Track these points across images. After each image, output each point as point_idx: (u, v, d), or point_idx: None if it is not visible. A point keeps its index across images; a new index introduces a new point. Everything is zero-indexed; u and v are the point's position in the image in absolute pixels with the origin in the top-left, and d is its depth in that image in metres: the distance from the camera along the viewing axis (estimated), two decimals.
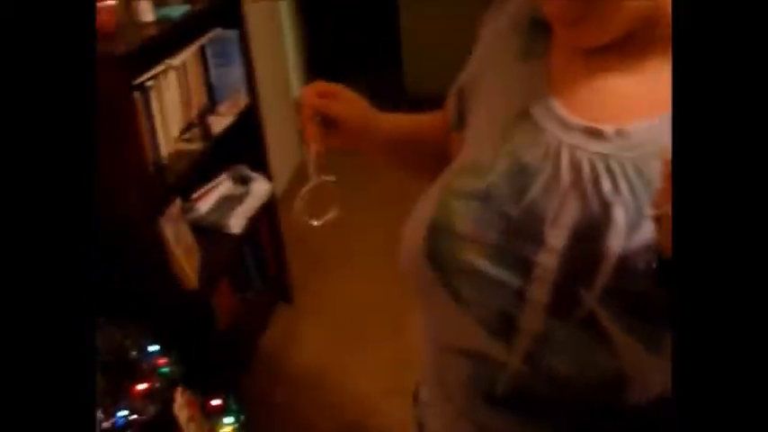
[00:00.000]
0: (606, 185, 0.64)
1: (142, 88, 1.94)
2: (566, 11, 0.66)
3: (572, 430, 0.72)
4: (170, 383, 1.67)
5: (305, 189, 0.90)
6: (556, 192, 0.67)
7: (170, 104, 2.09)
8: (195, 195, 2.43)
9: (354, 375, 2.55)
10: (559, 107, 0.70)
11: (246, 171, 2.60)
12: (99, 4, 1.81)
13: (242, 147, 2.57)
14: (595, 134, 0.66)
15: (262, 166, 2.67)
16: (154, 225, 1.96)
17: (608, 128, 0.66)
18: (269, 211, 2.73)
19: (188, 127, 2.22)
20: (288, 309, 2.93)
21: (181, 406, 1.68)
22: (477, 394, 0.74)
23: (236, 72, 2.44)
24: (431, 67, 4.42)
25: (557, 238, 0.66)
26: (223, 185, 2.52)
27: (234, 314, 2.55)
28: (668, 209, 0.53)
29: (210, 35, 2.36)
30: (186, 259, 2.08)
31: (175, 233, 2.05)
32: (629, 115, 0.66)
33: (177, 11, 2.05)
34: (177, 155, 2.11)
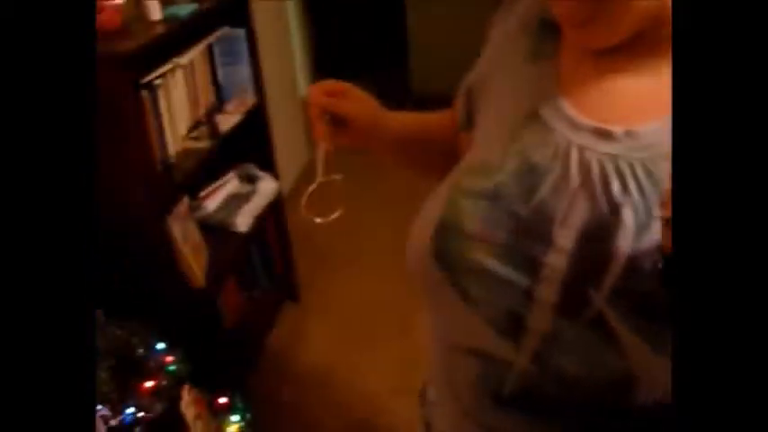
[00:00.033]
0: (615, 186, 0.64)
1: (150, 87, 1.94)
2: (575, 12, 0.66)
3: (580, 430, 0.72)
4: (177, 381, 1.67)
5: (311, 187, 0.91)
6: (565, 192, 0.67)
7: (177, 103, 2.09)
8: (202, 194, 2.43)
9: (361, 374, 2.55)
10: (569, 108, 0.69)
11: (253, 170, 2.61)
12: (107, 3, 1.81)
13: (249, 145, 2.57)
14: (604, 135, 0.66)
15: (269, 164, 2.67)
16: (161, 223, 1.97)
17: (617, 128, 0.66)
18: (276, 209, 2.74)
19: (195, 125, 2.22)
20: (294, 307, 2.94)
21: (188, 404, 1.68)
22: (485, 394, 0.74)
23: (244, 71, 2.44)
24: (437, 66, 4.42)
25: (565, 238, 0.66)
26: (230, 184, 2.53)
27: (240, 313, 2.55)
28: None
29: (218, 34, 2.37)
30: (194, 257, 2.08)
31: (183, 231, 2.06)
32: (639, 116, 0.66)
33: (185, 9, 2.06)
34: (185, 153, 2.12)
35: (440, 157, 0.95)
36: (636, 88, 0.67)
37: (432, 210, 0.75)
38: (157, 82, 1.97)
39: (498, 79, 0.80)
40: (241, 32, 2.41)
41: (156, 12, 1.98)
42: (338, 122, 0.93)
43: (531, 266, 0.67)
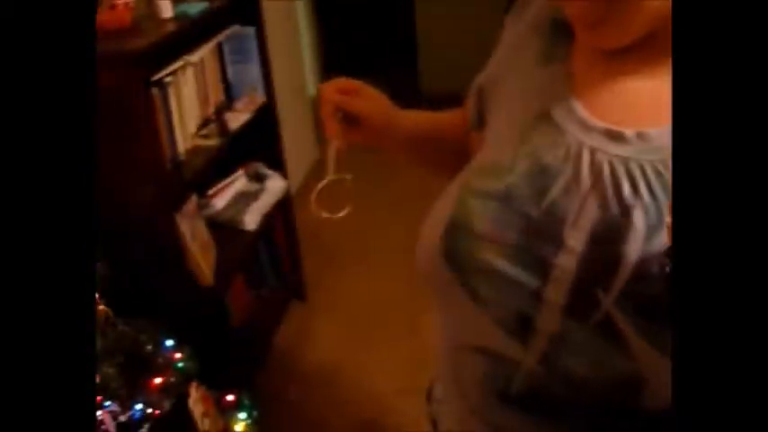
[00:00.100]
0: (626, 188, 0.64)
1: (160, 84, 1.95)
2: (586, 12, 0.66)
3: (587, 431, 0.71)
4: (185, 378, 1.67)
5: (322, 183, 0.91)
6: (576, 194, 0.66)
7: (187, 101, 2.10)
8: (211, 192, 2.44)
9: (368, 373, 2.55)
10: (581, 109, 0.69)
11: (262, 168, 2.61)
12: (118, 1, 1.82)
13: (258, 144, 2.58)
14: (616, 137, 0.66)
15: (277, 163, 2.68)
16: (170, 221, 1.97)
17: (629, 130, 0.66)
18: (284, 208, 2.74)
19: (205, 123, 2.23)
20: (302, 306, 2.94)
21: (195, 401, 1.68)
22: (492, 393, 0.74)
23: (253, 69, 2.45)
24: (446, 66, 4.43)
25: (576, 239, 0.65)
26: (238, 182, 2.53)
27: (248, 311, 2.56)
28: None
29: (228, 32, 2.37)
30: (202, 255, 2.09)
31: (191, 229, 2.06)
32: (650, 118, 0.66)
33: (195, 7, 2.06)
34: (194, 151, 2.13)
35: (451, 155, 0.95)
36: (648, 90, 0.67)
37: (442, 209, 0.75)
38: (168, 80, 1.98)
39: (510, 80, 0.80)
40: (251, 31, 2.42)
41: (166, 10, 1.98)
42: (350, 120, 0.93)
43: (541, 267, 0.67)
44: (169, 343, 1.68)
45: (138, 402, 1.55)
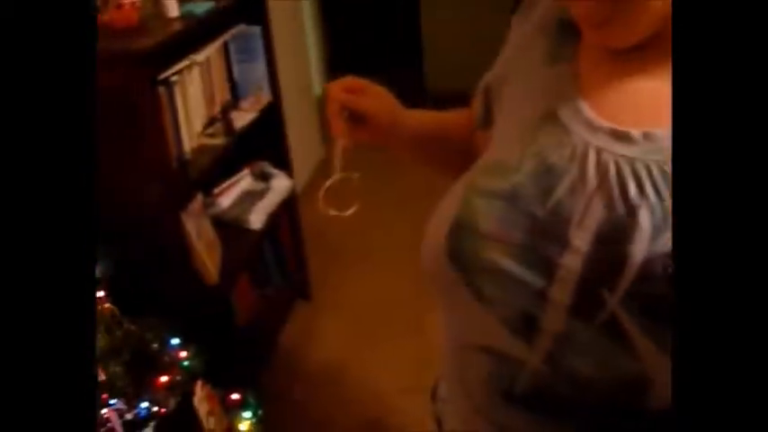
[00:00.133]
0: (632, 189, 0.64)
1: (166, 83, 1.95)
2: (593, 12, 0.66)
3: (592, 431, 0.71)
4: (191, 376, 1.68)
5: (330, 181, 0.91)
6: (582, 193, 0.66)
7: (193, 100, 2.10)
8: (217, 190, 2.44)
9: (373, 372, 2.55)
10: (587, 109, 0.69)
11: (268, 167, 2.62)
12: (125, 0, 1.82)
13: (264, 143, 2.58)
14: (622, 137, 0.66)
15: (283, 162, 2.68)
16: (176, 220, 1.97)
17: (635, 131, 0.66)
18: (289, 207, 2.75)
19: (211, 122, 2.23)
20: (307, 305, 2.94)
21: (201, 399, 1.69)
22: (497, 392, 0.74)
23: (259, 68, 2.45)
24: (451, 65, 4.42)
25: (581, 239, 0.65)
26: (244, 181, 2.54)
27: (253, 310, 2.56)
28: None
29: (234, 31, 2.38)
30: (207, 254, 2.09)
31: (197, 228, 2.07)
32: (657, 118, 0.66)
33: (202, 7, 2.07)
34: (200, 150, 2.13)
35: (457, 155, 0.95)
36: (654, 90, 0.67)
37: (447, 209, 0.75)
38: (174, 79, 1.98)
39: (516, 80, 0.80)
40: (257, 30, 2.42)
41: (173, 9, 1.99)
42: (357, 119, 0.93)
43: (546, 267, 0.67)
44: (175, 341, 1.69)
45: (143, 400, 1.55)
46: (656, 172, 0.64)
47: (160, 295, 1.99)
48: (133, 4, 1.86)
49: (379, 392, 2.46)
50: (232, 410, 1.88)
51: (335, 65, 4.74)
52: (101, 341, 1.49)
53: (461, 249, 0.71)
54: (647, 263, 0.62)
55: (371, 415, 2.40)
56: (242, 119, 2.34)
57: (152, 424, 1.56)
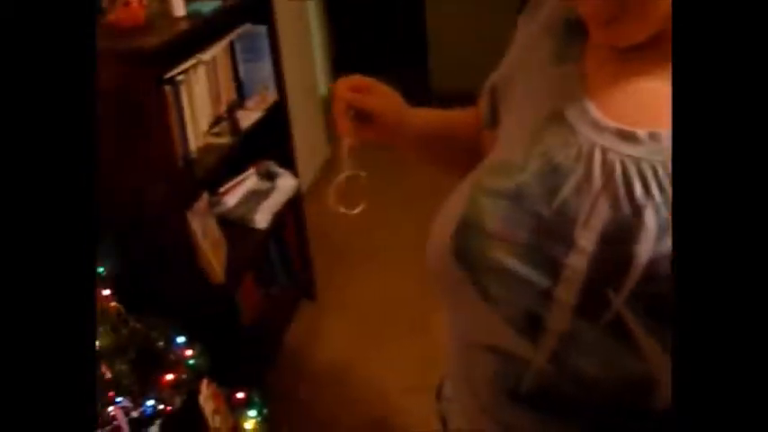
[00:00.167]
0: (637, 189, 0.64)
1: (172, 82, 1.96)
2: (600, 10, 0.66)
3: (596, 431, 0.72)
4: (196, 375, 1.68)
5: (339, 178, 0.91)
6: (587, 193, 0.66)
7: (199, 99, 2.11)
8: (222, 190, 2.45)
9: (378, 372, 2.55)
10: (594, 109, 0.69)
11: (273, 166, 2.62)
12: None
13: (269, 142, 2.58)
14: (628, 137, 0.66)
15: (288, 161, 2.68)
16: (181, 218, 1.98)
17: (641, 131, 0.66)
18: (294, 206, 2.75)
19: (216, 121, 2.24)
20: (312, 304, 2.94)
21: (206, 398, 1.69)
22: (502, 391, 0.74)
23: (265, 68, 2.45)
24: (456, 65, 4.42)
25: (587, 239, 0.65)
26: (249, 180, 2.54)
27: (258, 309, 2.56)
28: None
29: (240, 31, 2.38)
30: (213, 253, 2.10)
31: (202, 227, 2.07)
32: (663, 118, 0.66)
33: (208, 6, 2.07)
34: (205, 149, 2.13)
35: (463, 154, 0.96)
36: (660, 90, 0.67)
37: (453, 208, 0.75)
38: (180, 78, 1.98)
39: (522, 80, 0.80)
40: (263, 29, 2.42)
41: (179, 8, 1.99)
42: (363, 118, 0.93)
43: (552, 267, 0.67)
44: (180, 340, 1.69)
45: (149, 398, 1.56)
46: (661, 172, 0.64)
47: (165, 294, 1.99)
48: (140, 2, 1.86)
49: (384, 392, 2.46)
50: (237, 409, 1.88)
51: (341, 64, 4.74)
52: (107, 339, 1.50)
53: (467, 249, 0.71)
54: (653, 263, 0.62)
55: (376, 414, 2.40)
56: (247, 118, 2.34)
57: (158, 422, 1.56)
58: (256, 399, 1.93)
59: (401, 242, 3.08)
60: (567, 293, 0.66)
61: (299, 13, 3.68)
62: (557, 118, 0.71)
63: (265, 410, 1.93)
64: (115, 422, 1.50)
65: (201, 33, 2.11)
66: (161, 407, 1.57)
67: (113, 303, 1.58)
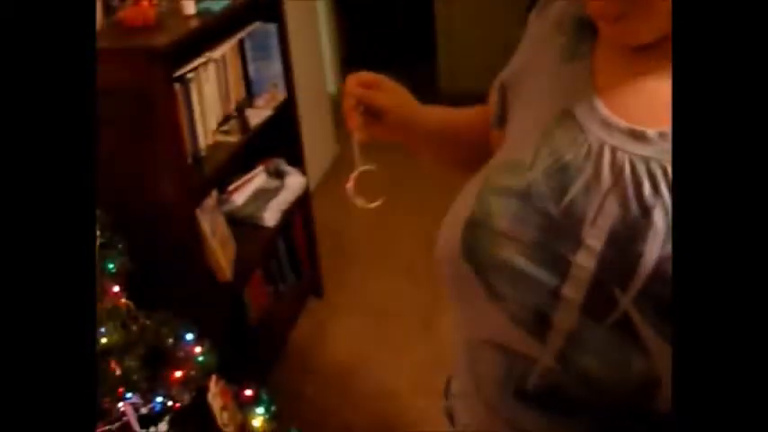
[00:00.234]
0: (646, 188, 0.64)
1: (183, 80, 1.97)
2: (609, 8, 0.66)
3: (602, 430, 0.72)
4: (205, 372, 1.68)
5: (356, 172, 0.91)
6: (596, 192, 0.67)
7: (209, 97, 2.11)
8: (231, 188, 2.45)
9: (385, 370, 2.55)
10: (603, 108, 0.69)
11: (282, 165, 2.62)
12: None
13: (278, 140, 2.59)
14: (638, 136, 0.66)
15: (297, 160, 2.69)
16: (191, 216, 1.99)
17: (651, 130, 0.66)
18: (303, 205, 2.75)
19: (226, 119, 2.24)
20: (319, 302, 2.95)
21: (215, 395, 1.69)
22: (509, 389, 0.74)
23: (274, 66, 2.46)
24: (465, 64, 4.42)
25: (595, 238, 0.66)
26: (258, 178, 2.55)
27: (266, 307, 2.56)
28: None
29: (250, 29, 2.38)
30: (221, 251, 2.10)
31: (211, 225, 2.07)
32: None
33: (218, 4, 2.08)
34: (215, 147, 2.14)
35: (471, 152, 0.96)
36: (670, 89, 0.67)
37: (462, 206, 0.75)
38: (190, 76, 1.99)
39: (532, 78, 0.80)
40: (272, 28, 2.43)
41: (189, 7, 2.00)
42: (372, 114, 0.94)
43: (560, 265, 0.67)
44: (189, 337, 1.69)
45: (158, 395, 1.56)
46: (670, 172, 0.64)
47: (175, 291, 2.00)
48: (150, 1, 1.87)
49: (391, 390, 2.46)
50: (245, 406, 1.88)
51: (350, 63, 4.74)
52: (116, 336, 1.50)
53: (475, 246, 0.72)
54: (661, 263, 0.62)
55: (383, 412, 2.40)
56: (257, 116, 2.35)
57: (167, 418, 1.57)
58: (264, 396, 1.94)
59: (409, 240, 3.08)
60: (574, 292, 0.66)
61: (308, 11, 3.68)
62: (566, 116, 0.71)
63: (273, 408, 1.93)
64: (125, 418, 1.51)
65: (211, 32, 2.11)
66: (170, 403, 1.57)
67: (123, 300, 1.58)
